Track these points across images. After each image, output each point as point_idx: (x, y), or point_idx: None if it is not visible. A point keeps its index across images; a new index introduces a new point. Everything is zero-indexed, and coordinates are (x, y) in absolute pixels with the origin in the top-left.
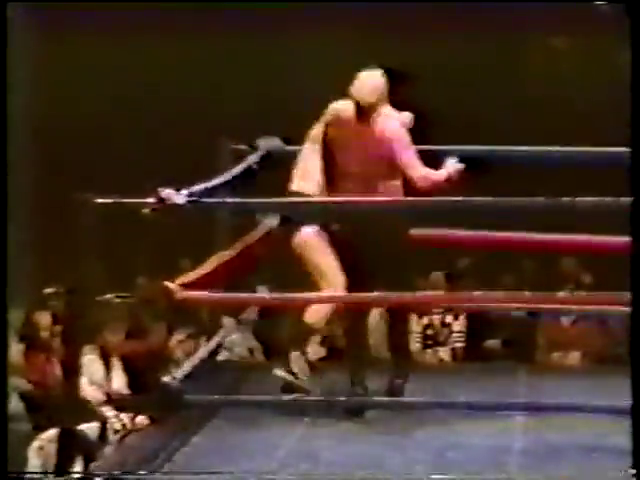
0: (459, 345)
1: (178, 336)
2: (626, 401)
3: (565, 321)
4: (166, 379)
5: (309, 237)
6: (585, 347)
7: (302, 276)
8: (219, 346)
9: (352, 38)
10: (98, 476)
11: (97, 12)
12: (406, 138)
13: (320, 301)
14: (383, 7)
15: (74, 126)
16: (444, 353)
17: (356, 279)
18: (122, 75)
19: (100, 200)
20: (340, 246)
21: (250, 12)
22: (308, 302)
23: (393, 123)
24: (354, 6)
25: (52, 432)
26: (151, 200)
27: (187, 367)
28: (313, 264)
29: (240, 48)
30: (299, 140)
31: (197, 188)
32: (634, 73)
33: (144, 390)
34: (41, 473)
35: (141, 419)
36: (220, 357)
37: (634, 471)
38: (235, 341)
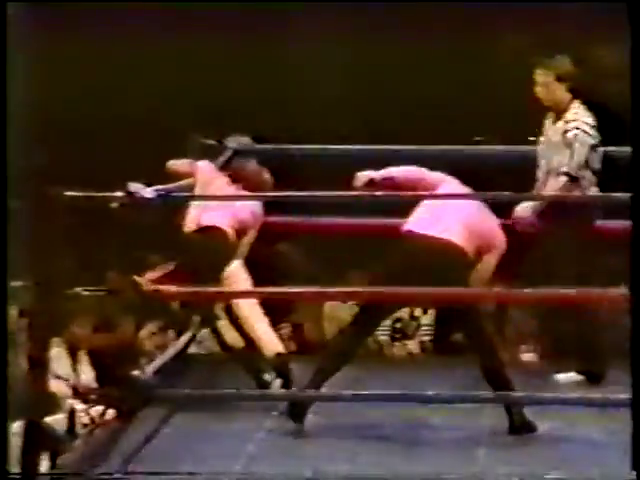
0: (427, 338)
1: (149, 329)
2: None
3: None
4: (135, 373)
5: (236, 271)
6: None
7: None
8: (191, 340)
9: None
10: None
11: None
12: None
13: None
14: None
15: (46, 118)
16: (412, 346)
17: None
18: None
19: (69, 194)
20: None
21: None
22: (278, 295)
23: None
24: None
25: (17, 425)
26: (120, 194)
27: (158, 362)
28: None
29: (233, 47)
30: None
31: (167, 187)
32: (634, 73)
33: (113, 384)
34: (42, 474)
35: (110, 413)
36: (191, 351)
37: (634, 472)
38: (206, 335)
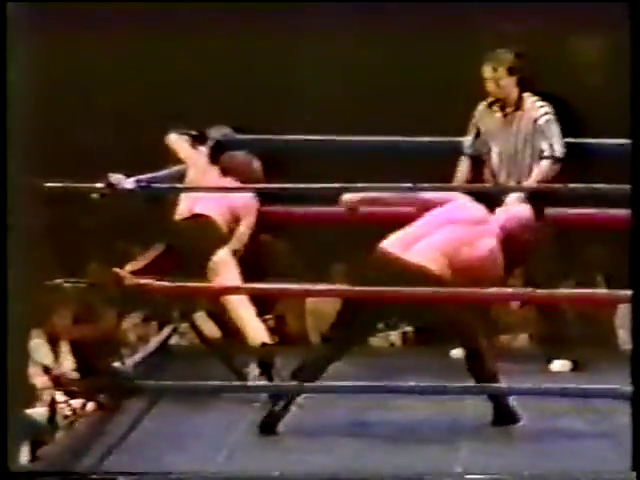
0: (409, 329)
1: (132, 320)
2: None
3: (514, 303)
4: (116, 364)
5: (224, 258)
6: (534, 329)
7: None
8: (173, 332)
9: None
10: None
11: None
12: None
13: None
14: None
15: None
16: (395, 337)
17: None
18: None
19: (49, 184)
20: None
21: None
22: (260, 291)
23: None
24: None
25: None
26: (100, 185)
27: (141, 353)
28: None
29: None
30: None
31: (147, 176)
32: (634, 72)
33: (94, 375)
34: (43, 473)
35: (91, 405)
36: (172, 342)
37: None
38: (188, 327)
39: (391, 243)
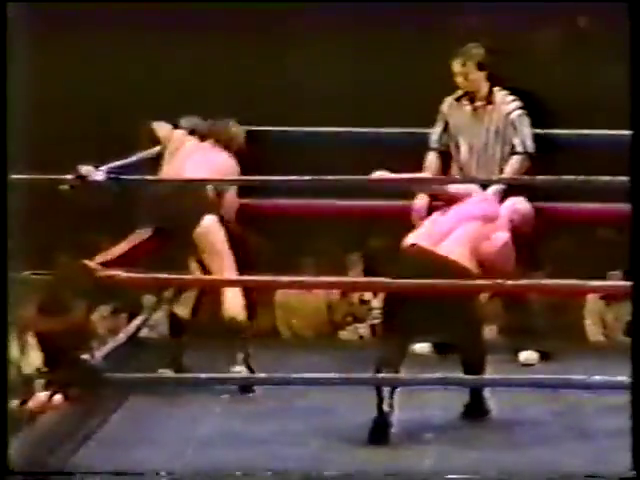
0: (378, 321)
1: (102, 312)
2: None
3: (482, 295)
4: (85, 357)
5: (211, 225)
6: (501, 321)
7: None
8: (142, 324)
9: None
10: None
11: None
12: None
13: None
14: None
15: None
16: (363, 330)
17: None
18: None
19: (17, 177)
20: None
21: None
22: (231, 284)
23: None
24: None
25: None
26: (69, 177)
27: (109, 346)
28: (212, 251)
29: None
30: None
31: (114, 165)
32: (634, 72)
33: (62, 367)
34: (43, 473)
35: (59, 397)
36: (142, 335)
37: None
38: (158, 319)
39: (422, 238)
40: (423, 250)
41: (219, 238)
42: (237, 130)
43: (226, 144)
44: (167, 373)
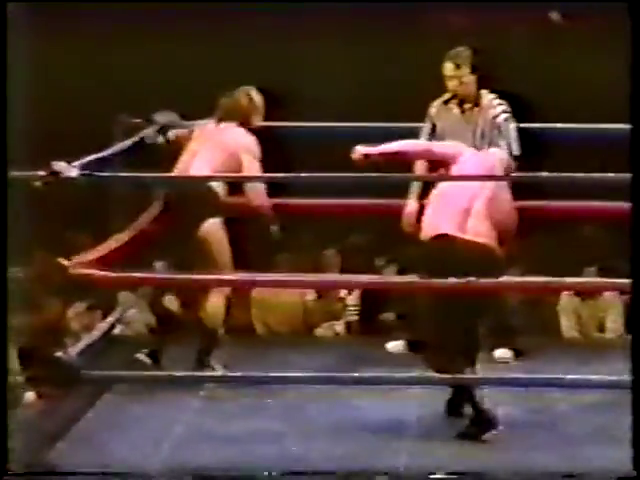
0: (354, 319)
1: (76, 309)
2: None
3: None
4: (59, 354)
5: (214, 228)
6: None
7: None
8: (117, 321)
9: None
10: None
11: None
12: None
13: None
14: None
15: None
16: (339, 327)
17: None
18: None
19: None
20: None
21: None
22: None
23: None
24: None
25: None
26: (42, 173)
27: (84, 342)
28: (213, 253)
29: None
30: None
31: (88, 160)
32: (634, 72)
33: (36, 364)
34: (42, 473)
35: (31, 394)
36: (116, 332)
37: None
38: (133, 316)
39: (448, 226)
40: (452, 238)
41: (218, 241)
42: (252, 100)
43: (243, 119)
44: (144, 359)
